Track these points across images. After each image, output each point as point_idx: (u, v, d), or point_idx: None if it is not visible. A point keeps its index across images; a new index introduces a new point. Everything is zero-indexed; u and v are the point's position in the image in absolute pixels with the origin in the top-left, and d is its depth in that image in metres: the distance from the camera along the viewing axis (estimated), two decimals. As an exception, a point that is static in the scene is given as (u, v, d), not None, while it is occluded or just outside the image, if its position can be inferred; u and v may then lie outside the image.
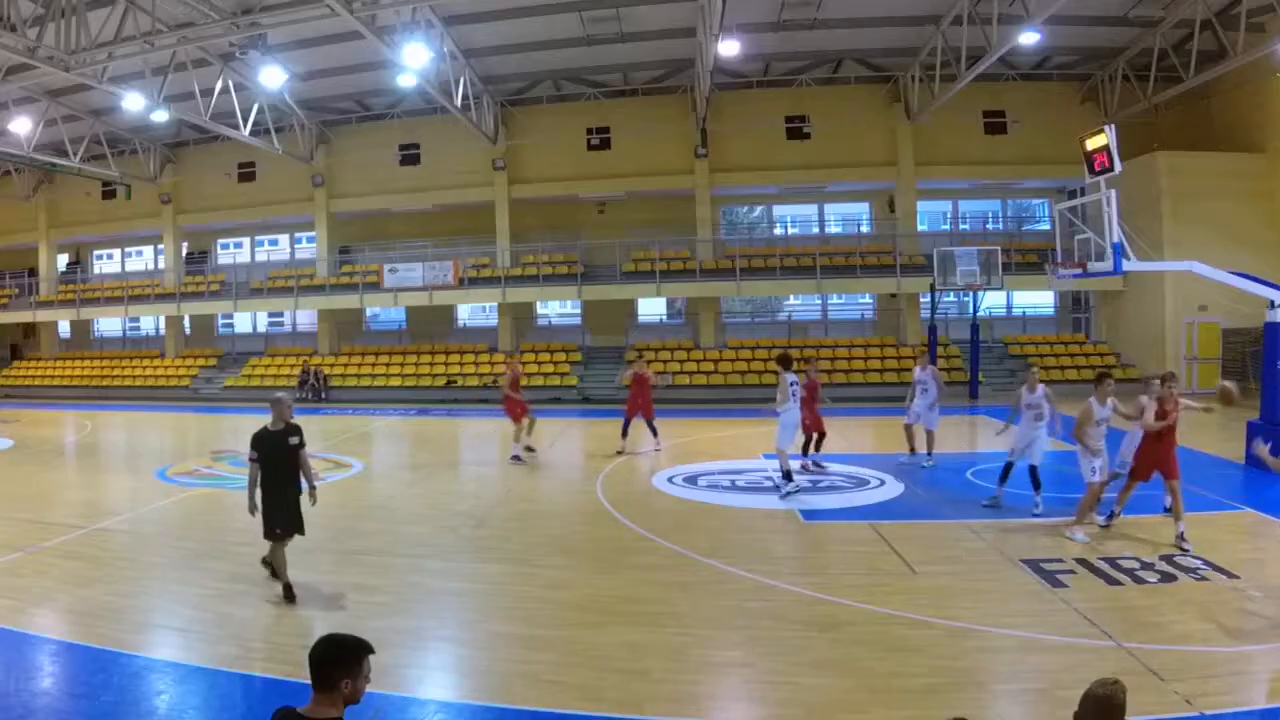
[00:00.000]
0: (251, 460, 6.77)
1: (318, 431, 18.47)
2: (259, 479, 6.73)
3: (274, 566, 6.93)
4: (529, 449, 13.81)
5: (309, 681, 2.68)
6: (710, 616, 6.33)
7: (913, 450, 12.50)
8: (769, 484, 11.14)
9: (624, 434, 14.08)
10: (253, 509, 6.72)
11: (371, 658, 2.72)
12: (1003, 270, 20.79)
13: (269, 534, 6.82)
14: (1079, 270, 12.85)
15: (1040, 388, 9.36)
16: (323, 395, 25.10)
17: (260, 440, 6.79)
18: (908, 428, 12.54)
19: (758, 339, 25.37)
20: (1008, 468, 9.49)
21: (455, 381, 24.98)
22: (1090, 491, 8.26)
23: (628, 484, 11.57)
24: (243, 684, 5.18)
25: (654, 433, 14.08)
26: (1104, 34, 20.59)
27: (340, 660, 2.64)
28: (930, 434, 12.26)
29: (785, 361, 10.33)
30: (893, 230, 25.02)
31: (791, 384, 10.18)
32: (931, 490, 10.64)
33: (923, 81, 22.14)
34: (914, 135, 24.12)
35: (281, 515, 6.77)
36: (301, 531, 6.98)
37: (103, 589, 7.08)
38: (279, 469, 6.82)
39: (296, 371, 25.83)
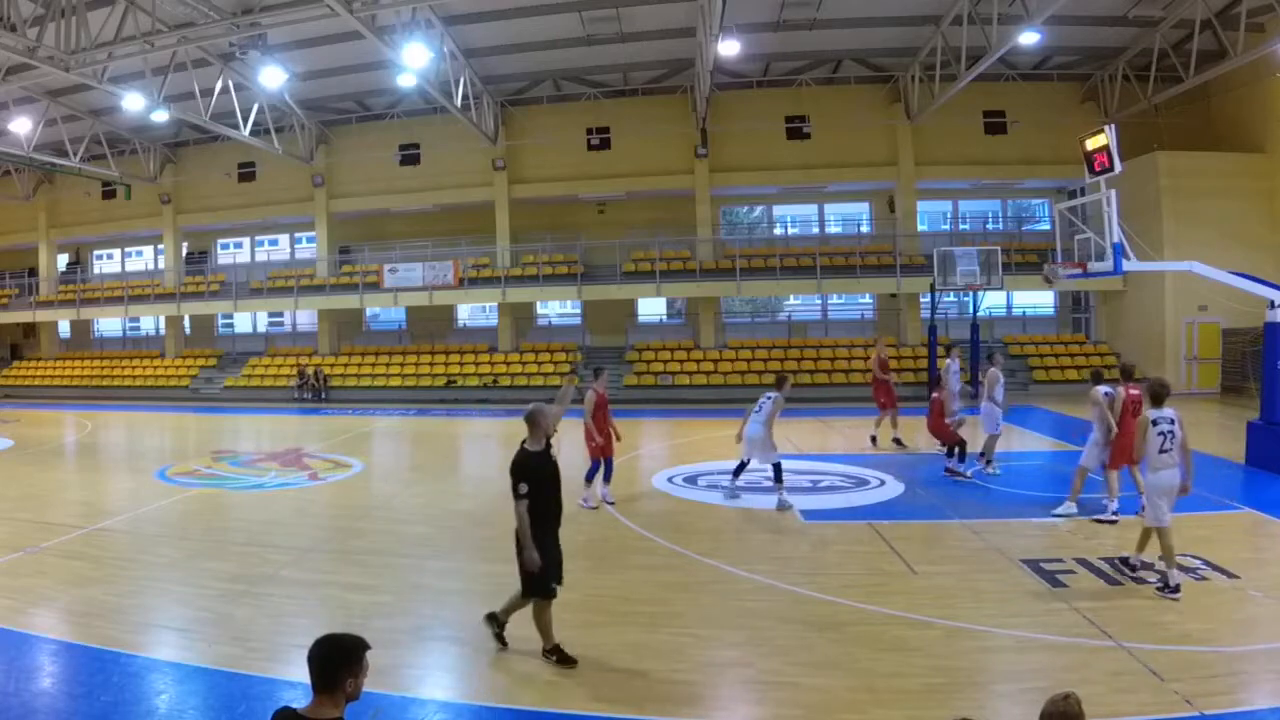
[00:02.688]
0: (520, 498, 5.18)
1: (318, 431, 18.49)
2: (529, 518, 5.20)
3: (500, 625, 5.58)
4: (873, 439, 14.05)
5: (308, 681, 2.73)
6: (710, 616, 6.32)
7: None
8: (768, 484, 11.12)
9: (589, 480, 10.17)
10: (533, 563, 5.21)
11: (371, 657, 2.81)
12: (1003, 270, 20.78)
13: (544, 590, 5.32)
14: (1079, 270, 12.84)
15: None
16: (323, 395, 25.11)
17: (526, 469, 5.24)
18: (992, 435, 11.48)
19: (758, 339, 25.39)
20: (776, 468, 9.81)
21: (455, 381, 24.98)
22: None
23: (628, 484, 11.55)
24: (243, 684, 5.17)
25: (606, 476, 10.24)
26: (1104, 34, 20.60)
27: (344, 660, 2.72)
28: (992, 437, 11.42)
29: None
30: (893, 230, 25.02)
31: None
32: (931, 490, 10.63)
33: (923, 81, 22.14)
34: (914, 135, 24.12)
35: (552, 561, 5.33)
36: (560, 581, 5.45)
37: (103, 589, 7.07)
38: (545, 499, 5.29)
39: (296, 372, 25.84)
